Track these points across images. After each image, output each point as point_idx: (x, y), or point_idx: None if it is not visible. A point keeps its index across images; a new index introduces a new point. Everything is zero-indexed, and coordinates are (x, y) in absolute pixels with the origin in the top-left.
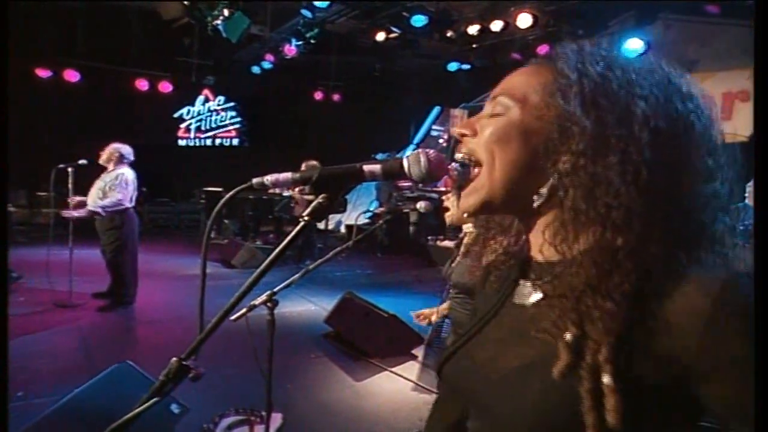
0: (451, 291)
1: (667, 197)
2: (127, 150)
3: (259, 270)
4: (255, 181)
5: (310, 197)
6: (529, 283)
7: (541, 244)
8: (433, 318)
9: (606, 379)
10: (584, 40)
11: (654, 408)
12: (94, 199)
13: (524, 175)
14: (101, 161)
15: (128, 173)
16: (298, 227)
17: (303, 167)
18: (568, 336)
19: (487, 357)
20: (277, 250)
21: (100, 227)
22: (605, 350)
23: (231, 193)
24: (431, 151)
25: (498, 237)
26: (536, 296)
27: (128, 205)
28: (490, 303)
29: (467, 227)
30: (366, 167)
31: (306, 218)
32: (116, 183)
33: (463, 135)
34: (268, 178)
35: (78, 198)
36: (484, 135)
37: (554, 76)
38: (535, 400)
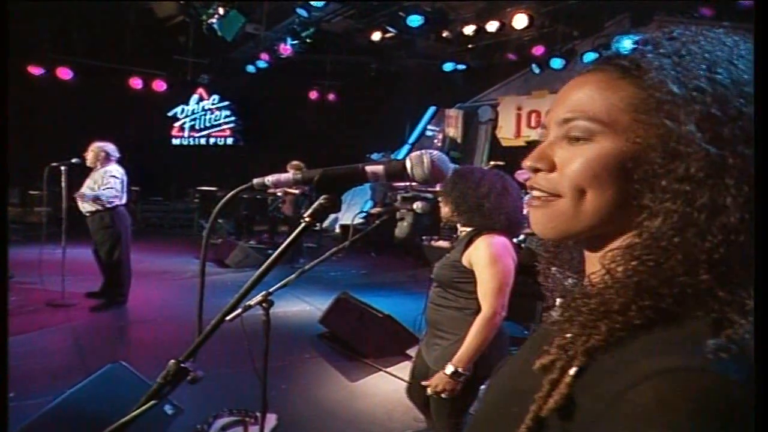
0: (432, 287)
1: None
2: (111, 147)
3: (259, 272)
4: (256, 181)
5: (295, 191)
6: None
7: (594, 266)
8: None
9: (572, 370)
10: (659, 32)
11: None
12: (87, 199)
13: (619, 208)
14: (88, 163)
15: (117, 170)
16: (299, 228)
17: (288, 168)
18: (567, 335)
19: (502, 373)
20: (277, 251)
21: (92, 226)
22: (585, 348)
23: (231, 193)
24: (434, 152)
25: (560, 267)
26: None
27: (119, 202)
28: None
29: (462, 227)
30: (368, 168)
31: (307, 219)
32: (107, 177)
33: (537, 170)
34: (269, 179)
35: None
36: (572, 169)
37: (644, 89)
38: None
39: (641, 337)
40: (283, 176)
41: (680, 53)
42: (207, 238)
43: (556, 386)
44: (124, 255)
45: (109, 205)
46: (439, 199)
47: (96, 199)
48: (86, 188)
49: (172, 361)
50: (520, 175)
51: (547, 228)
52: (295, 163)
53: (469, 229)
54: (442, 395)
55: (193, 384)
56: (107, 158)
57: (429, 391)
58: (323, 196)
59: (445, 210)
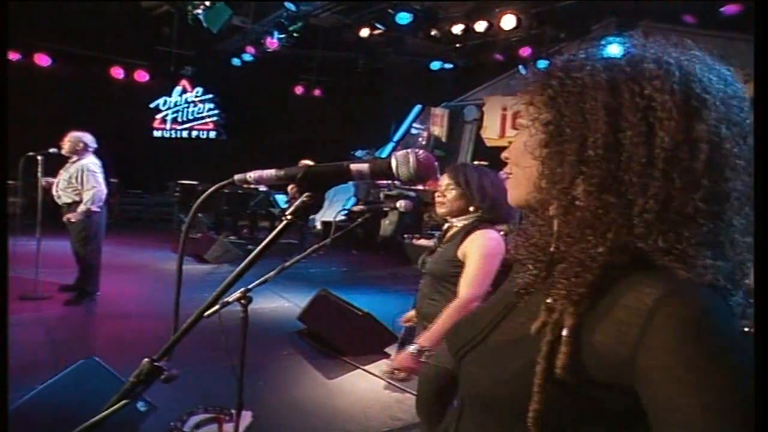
0: (422, 280)
1: (684, 177)
2: (89, 138)
3: (238, 269)
4: (237, 177)
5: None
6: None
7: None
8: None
9: (565, 331)
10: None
11: (592, 399)
12: (63, 190)
13: (547, 179)
14: (65, 152)
15: (93, 163)
16: (280, 226)
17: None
18: (549, 300)
19: (486, 336)
20: (258, 248)
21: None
22: (571, 308)
23: (212, 189)
24: (420, 152)
25: (529, 232)
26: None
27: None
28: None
29: (454, 220)
30: (353, 166)
31: (289, 216)
32: (86, 174)
33: (508, 159)
34: (251, 175)
35: (47, 179)
36: (512, 152)
37: (549, 96)
38: (516, 372)
39: (622, 279)
40: (265, 173)
41: (564, 60)
42: (185, 233)
43: (555, 346)
44: (96, 247)
45: (97, 208)
46: (438, 193)
47: (88, 211)
48: (62, 180)
49: (146, 359)
50: (503, 175)
51: (511, 197)
52: (307, 162)
53: (462, 224)
54: (401, 375)
55: (167, 383)
56: (85, 149)
57: (388, 367)
58: (306, 194)
59: (456, 203)
